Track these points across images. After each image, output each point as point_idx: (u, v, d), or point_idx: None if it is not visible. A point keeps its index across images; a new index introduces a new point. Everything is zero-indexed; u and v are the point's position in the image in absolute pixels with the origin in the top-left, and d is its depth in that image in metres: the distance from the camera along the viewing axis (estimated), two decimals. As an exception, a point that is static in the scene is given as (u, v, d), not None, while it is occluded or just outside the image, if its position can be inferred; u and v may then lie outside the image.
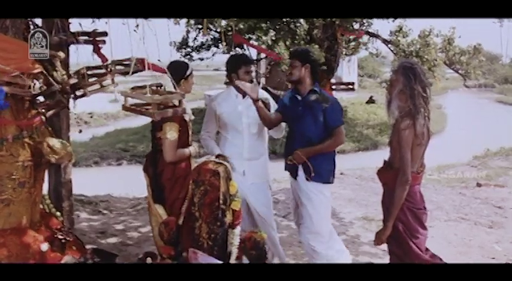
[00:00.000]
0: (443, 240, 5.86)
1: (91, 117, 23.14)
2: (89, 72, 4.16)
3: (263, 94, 4.47)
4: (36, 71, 3.68)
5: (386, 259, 3.83)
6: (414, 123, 3.33)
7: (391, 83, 3.53)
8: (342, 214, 6.93)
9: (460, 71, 16.46)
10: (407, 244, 3.44)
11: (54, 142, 3.79)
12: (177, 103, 3.80)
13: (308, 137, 4.19)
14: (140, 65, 4.33)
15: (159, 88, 4.02)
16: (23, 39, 3.64)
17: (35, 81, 3.74)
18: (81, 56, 4.54)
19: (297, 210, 4.44)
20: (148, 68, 4.41)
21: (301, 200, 4.27)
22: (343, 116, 4.33)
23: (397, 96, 3.42)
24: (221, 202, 3.55)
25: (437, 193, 8.37)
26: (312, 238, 4.22)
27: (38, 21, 4.06)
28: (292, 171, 4.30)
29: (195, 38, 15.65)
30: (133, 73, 4.60)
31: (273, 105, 4.49)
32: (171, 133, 3.90)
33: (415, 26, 15.38)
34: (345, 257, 4.31)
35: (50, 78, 3.80)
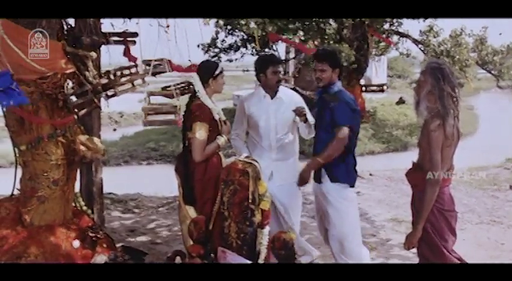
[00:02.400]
0: (475, 243, 5.76)
1: (121, 116, 23.38)
2: (119, 73, 4.23)
3: (297, 103, 4.40)
4: (69, 71, 3.75)
5: (416, 262, 3.77)
6: (444, 124, 3.27)
7: (419, 84, 3.46)
8: (371, 216, 6.87)
9: (492, 72, 16.13)
10: (438, 247, 3.38)
11: (85, 139, 3.88)
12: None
13: (322, 137, 4.14)
14: (167, 65, 4.38)
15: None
16: (56, 40, 3.71)
17: (68, 81, 3.82)
18: (112, 56, 4.62)
19: (319, 214, 4.40)
20: (174, 69, 4.47)
21: (325, 206, 4.21)
22: (357, 117, 4.13)
23: (425, 97, 3.37)
24: (250, 201, 3.56)
25: (469, 195, 8.22)
26: (338, 245, 4.17)
27: (71, 22, 4.13)
28: (316, 175, 4.24)
29: (224, 40, 15.64)
30: (160, 73, 4.67)
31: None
32: (200, 133, 3.91)
33: (446, 26, 15.16)
34: (366, 258, 4.29)
35: (82, 78, 3.87)
